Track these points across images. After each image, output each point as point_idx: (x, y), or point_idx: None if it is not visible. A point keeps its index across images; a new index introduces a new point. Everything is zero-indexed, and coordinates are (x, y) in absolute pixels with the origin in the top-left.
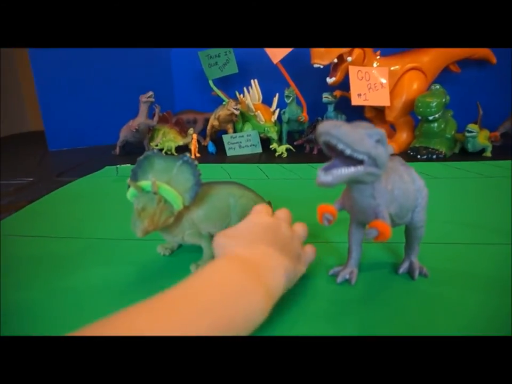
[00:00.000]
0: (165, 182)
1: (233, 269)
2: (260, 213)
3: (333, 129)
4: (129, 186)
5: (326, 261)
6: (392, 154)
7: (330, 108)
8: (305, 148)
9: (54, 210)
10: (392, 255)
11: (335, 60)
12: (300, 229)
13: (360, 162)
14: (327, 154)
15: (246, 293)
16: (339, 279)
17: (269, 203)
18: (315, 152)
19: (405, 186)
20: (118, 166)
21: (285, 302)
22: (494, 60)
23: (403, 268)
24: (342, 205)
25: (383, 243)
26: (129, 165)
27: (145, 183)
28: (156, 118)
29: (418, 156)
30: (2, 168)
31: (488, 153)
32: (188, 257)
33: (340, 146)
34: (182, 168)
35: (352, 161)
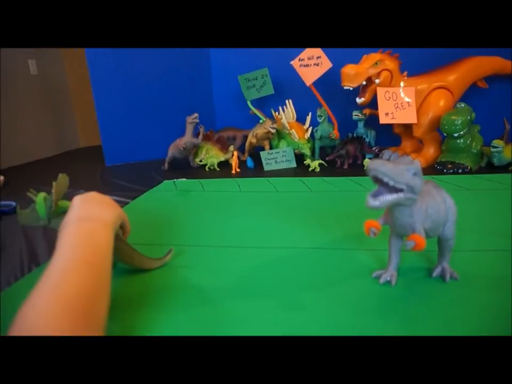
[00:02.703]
0: None
1: (76, 227)
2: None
3: (380, 166)
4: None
5: (370, 265)
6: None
7: (360, 125)
8: (336, 162)
9: (132, 221)
10: (426, 261)
11: (364, 82)
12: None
13: (401, 190)
14: (375, 183)
15: (91, 233)
16: (381, 280)
17: None
18: (346, 166)
19: (437, 206)
20: (175, 180)
21: (338, 297)
22: None
23: (436, 272)
24: (385, 221)
25: (419, 251)
26: (184, 179)
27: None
28: (200, 137)
29: (445, 170)
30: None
31: None
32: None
33: (385, 179)
34: None
35: (393, 188)
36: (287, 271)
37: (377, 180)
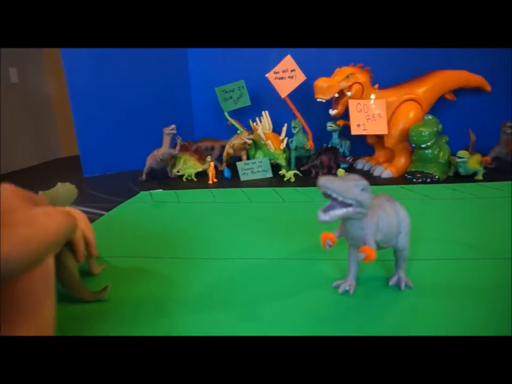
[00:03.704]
0: None
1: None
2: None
3: (328, 183)
4: None
5: (331, 274)
6: (391, 178)
7: (335, 135)
8: (311, 172)
9: (106, 233)
10: (385, 271)
11: (336, 95)
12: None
13: (350, 204)
14: (326, 198)
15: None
16: (340, 290)
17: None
18: (320, 176)
19: (389, 219)
20: (151, 191)
21: (297, 307)
22: (489, 88)
23: (392, 281)
24: (340, 233)
25: (378, 261)
26: (160, 190)
27: None
28: (177, 148)
29: (414, 180)
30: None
31: (480, 176)
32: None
33: (334, 195)
34: None
35: (344, 203)
36: (251, 282)
37: (327, 195)
